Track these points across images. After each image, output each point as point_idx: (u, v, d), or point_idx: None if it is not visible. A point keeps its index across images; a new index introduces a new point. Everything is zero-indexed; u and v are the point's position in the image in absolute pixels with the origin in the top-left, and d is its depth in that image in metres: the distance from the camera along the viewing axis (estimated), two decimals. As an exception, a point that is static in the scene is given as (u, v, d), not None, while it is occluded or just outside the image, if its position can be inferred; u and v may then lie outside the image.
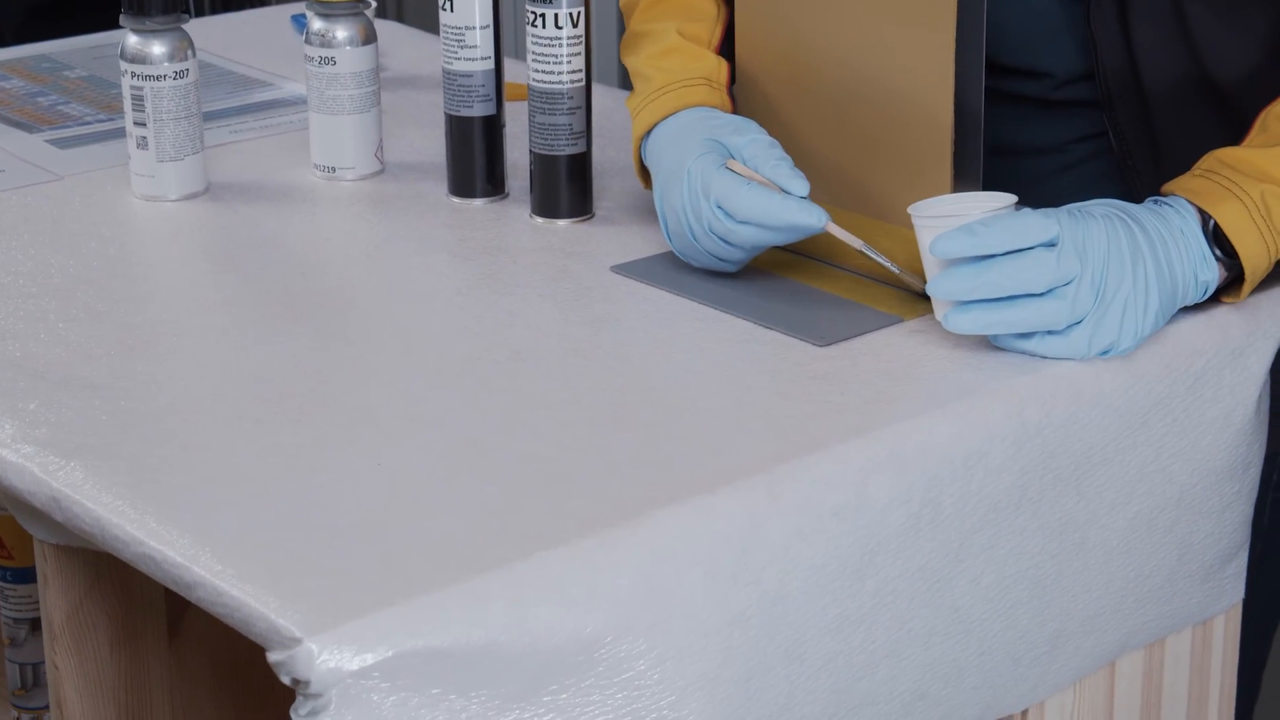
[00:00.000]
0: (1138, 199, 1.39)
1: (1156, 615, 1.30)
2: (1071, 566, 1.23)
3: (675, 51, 1.40)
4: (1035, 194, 1.44)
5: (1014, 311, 1.18)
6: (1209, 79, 1.36)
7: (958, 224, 1.19)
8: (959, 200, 1.23)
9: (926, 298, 1.26)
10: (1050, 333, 1.20)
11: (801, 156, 1.35)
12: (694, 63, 1.39)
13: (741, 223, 1.27)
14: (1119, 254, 1.19)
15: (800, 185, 1.26)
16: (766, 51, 1.37)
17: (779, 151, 1.28)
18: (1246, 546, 1.35)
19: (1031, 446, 1.18)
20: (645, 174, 1.42)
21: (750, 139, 1.30)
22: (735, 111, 1.38)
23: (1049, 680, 1.25)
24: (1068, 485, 1.20)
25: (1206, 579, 1.32)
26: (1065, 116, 1.43)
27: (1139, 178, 1.39)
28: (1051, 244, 1.18)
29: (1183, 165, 1.31)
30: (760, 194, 1.26)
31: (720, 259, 1.31)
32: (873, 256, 1.27)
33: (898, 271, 1.27)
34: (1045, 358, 1.20)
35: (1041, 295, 1.18)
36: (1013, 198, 1.22)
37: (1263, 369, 1.29)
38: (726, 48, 1.44)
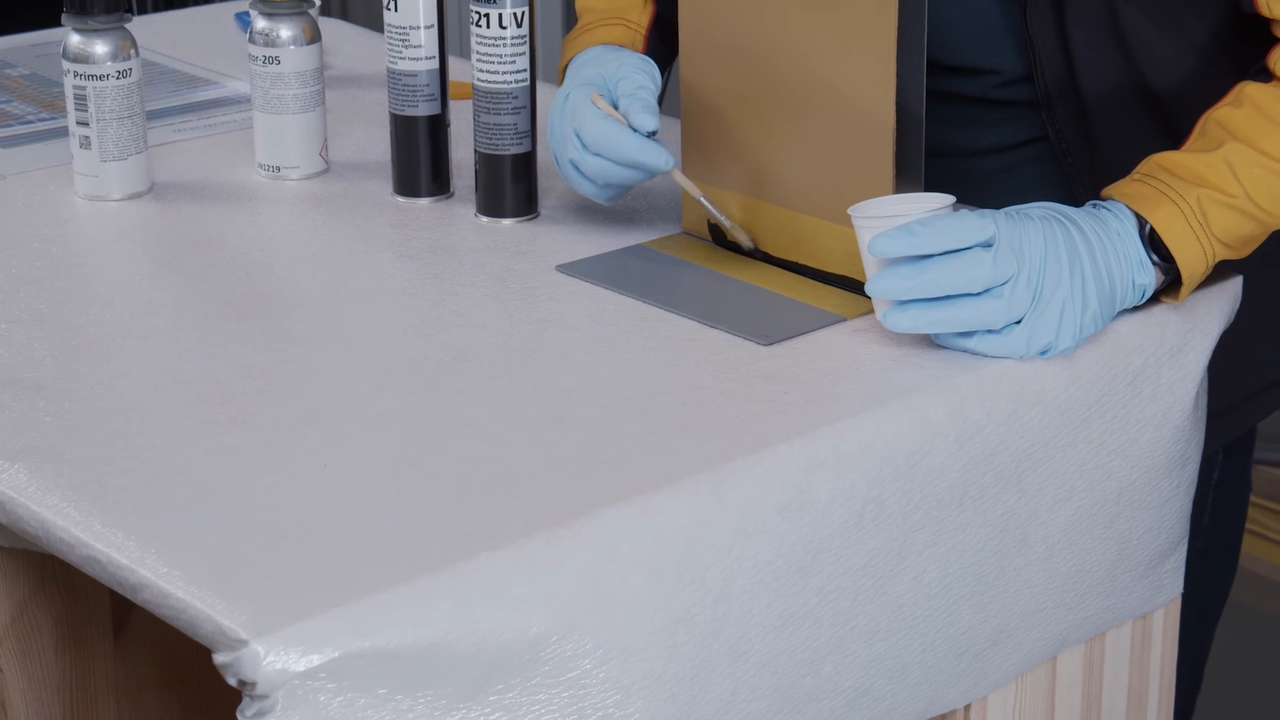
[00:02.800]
0: (1078, 201, 1.40)
1: (1097, 610, 1.32)
2: (1013, 563, 1.24)
3: None
4: (977, 195, 1.45)
5: (951, 311, 1.20)
6: (1145, 84, 1.37)
7: (897, 224, 1.20)
8: (899, 201, 1.24)
9: (761, 257, 1.33)
10: (989, 332, 1.21)
11: (745, 156, 1.36)
12: (619, 3, 1.46)
13: (593, 154, 1.32)
14: (1056, 255, 1.21)
15: (647, 121, 1.29)
16: (710, 52, 1.37)
17: (646, 92, 1.32)
18: (1185, 541, 1.36)
19: (973, 444, 1.19)
20: None
21: (626, 76, 1.34)
22: (679, 99, 1.40)
23: (991, 675, 1.26)
24: (1009, 482, 1.22)
25: (1146, 574, 1.34)
26: (1006, 118, 1.44)
27: (1078, 178, 1.41)
28: (988, 244, 1.19)
29: (1121, 167, 1.33)
30: (611, 127, 1.30)
31: (584, 191, 1.36)
32: (709, 209, 1.32)
33: (730, 226, 1.33)
34: (985, 356, 1.21)
35: (979, 295, 1.19)
36: (951, 198, 1.23)
37: (1200, 366, 1.31)
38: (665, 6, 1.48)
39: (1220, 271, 1.33)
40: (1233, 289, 1.34)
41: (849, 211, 1.23)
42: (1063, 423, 1.23)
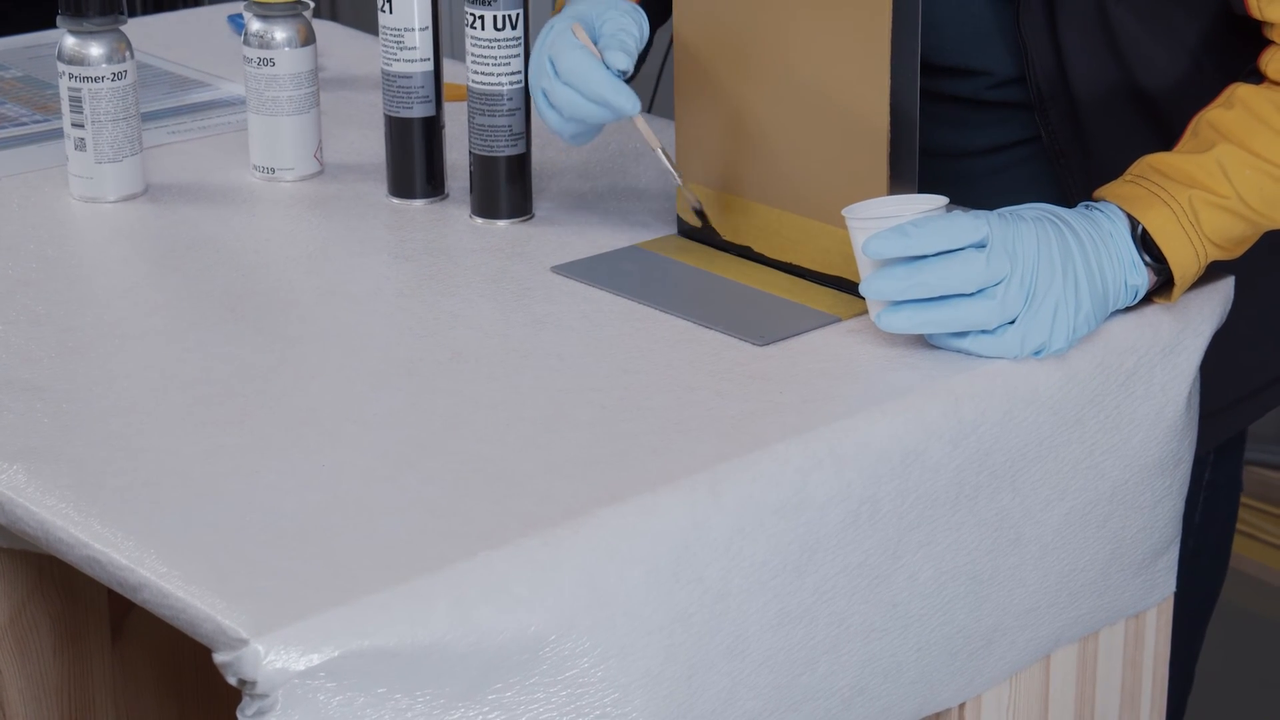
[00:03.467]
0: (1070, 201, 1.41)
1: (1090, 609, 1.32)
2: (1007, 562, 1.25)
3: None
4: (969, 195, 1.45)
5: (945, 311, 1.20)
6: (1137, 86, 1.38)
7: (891, 225, 1.20)
8: (892, 202, 1.25)
9: (701, 213, 1.34)
10: (983, 332, 1.21)
11: (740, 157, 1.36)
12: None
13: (564, 84, 1.31)
14: (1049, 256, 1.21)
15: (620, 59, 1.29)
16: (705, 53, 1.38)
17: (626, 34, 1.31)
18: (1178, 541, 1.37)
19: (968, 444, 1.19)
20: None
21: (612, 17, 1.33)
22: (673, 100, 1.40)
23: (986, 674, 1.27)
24: (1003, 482, 1.22)
25: (1139, 573, 1.35)
26: (999, 119, 1.45)
27: (1071, 179, 1.41)
28: (981, 245, 1.19)
29: (1114, 168, 1.33)
30: (585, 59, 1.30)
31: (549, 122, 1.35)
32: (664, 161, 1.34)
33: (680, 185, 1.35)
34: (979, 356, 1.22)
35: (972, 295, 1.20)
36: (944, 200, 1.24)
37: (1193, 366, 1.31)
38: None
39: (1212, 272, 1.34)
40: (1225, 290, 1.34)
41: (843, 213, 1.24)
42: (1056, 422, 1.24)
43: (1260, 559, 2.71)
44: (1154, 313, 1.29)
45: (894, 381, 1.20)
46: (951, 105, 1.46)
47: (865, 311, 1.28)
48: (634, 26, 1.33)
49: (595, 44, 1.33)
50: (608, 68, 1.30)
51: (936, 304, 1.20)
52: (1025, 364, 1.22)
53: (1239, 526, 2.69)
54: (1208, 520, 1.54)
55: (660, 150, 1.34)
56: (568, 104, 1.32)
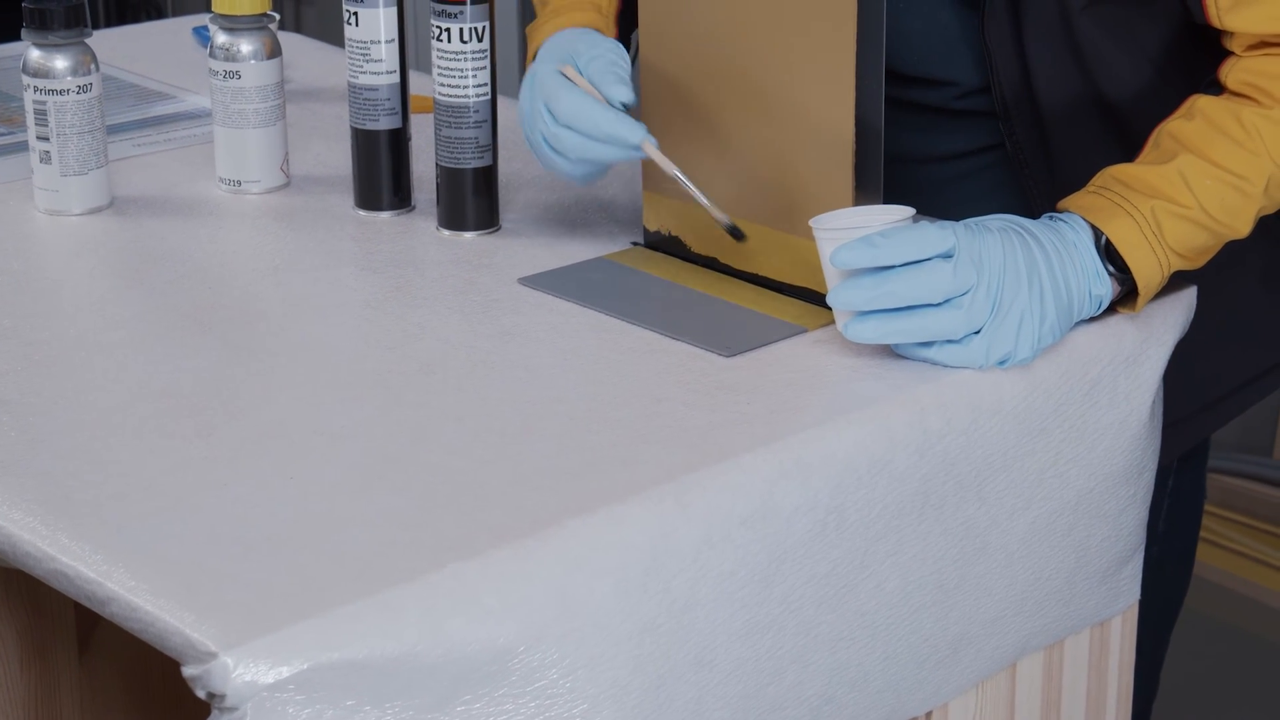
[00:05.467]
0: (1034, 208, 1.42)
1: (1056, 617, 1.33)
2: (973, 571, 1.25)
3: None
4: (935, 200, 1.46)
5: (912, 321, 1.21)
6: (1101, 95, 1.39)
7: (858, 236, 1.21)
8: (859, 213, 1.25)
9: (734, 232, 1.32)
10: (949, 342, 1.22)
11: (706, 169, 1.37)
12: None
13: (564, 127, 1.29)
14: (1015, 266, 1.22)
15: (621, 91, 1.27)
16: (669, 65, 1.38)
17: (618, 66, 1.30)
18: (1142, 549, 1.38)
19: (933, 454, 1.20)
20: None
21: (599, 53, 1.31)
22: (638, 94, 1.39)
23: (952, 682, 1.28)
24: (969, 491, 1.23)
25: (1104, 581, 1.35)
26: (965, 126, 1.46)
27: (1035, 187, 1.42)
28: (948, 255, 1.20)
29: (1078, 176, 1.34)
30: (583, 99, 1.28)
31: (558, 169, 1.33)
32: (684, 183, 1.30)
33: (707, 204, 1.31)
34: (945, 366, 1.23)
35: (939, 305, 1.21)
36: (911, 210, 1.24)
37: (1156, 375, 1.32)
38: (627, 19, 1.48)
39: (1175, 282, 1.35)
40: (1187, 299, 1.35)
41: (810, 224, 1.24)
42: (1021, 432, 1.25)
43: (1224, 566, 2.73)
44: (1118, 323, 1.30)
45: (860, 391, 1.21)
46: (919, 113, 1.47)
47: (832, 322, 1.29)
48: (620, 59, 1.32)
49: (587, 81, 1.32)
50: (609, 103, 1.29)
51: (903, 314, 1.21)
52: (990, 374, 1.23)
53: (1203, 534, 2.71)
54: (1171, 528, 1.55)
55: (680, 174, 1.30)
56: (574, 147, 1.30)
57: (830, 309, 1.25)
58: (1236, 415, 1.53)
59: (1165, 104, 1.33)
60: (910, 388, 1.21)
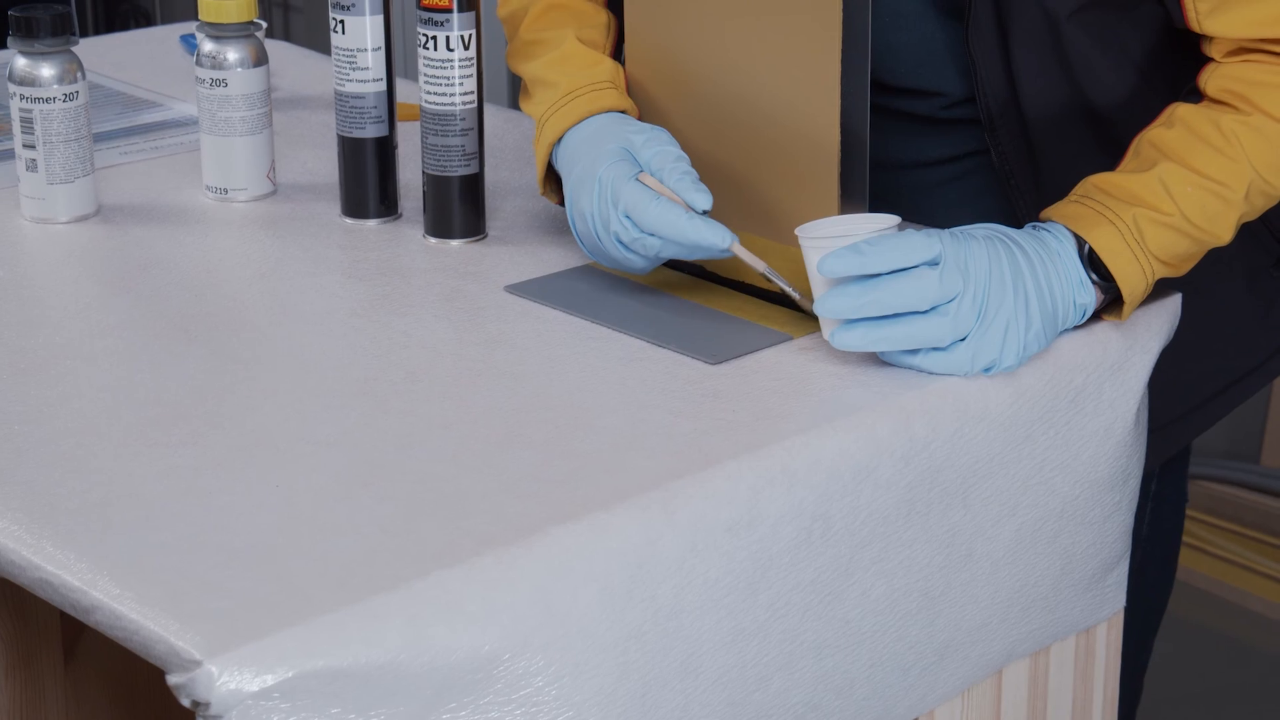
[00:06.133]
0: (1019, 214, 1.42)
1: (1041, 624, 1.33)
2: (959, 578, 1.25)
3: (575, 57, 1.41)
4: (920, 206, 1.47)
5: (898, 328, 1.21)
6: (1087, 103, 1.39)
7: (844, 244, 1.21)
8: (845, 221, 1.26)
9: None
10: (935, 349, 1.22)
11: (696, 169, 1.37)
12: (597, 67, 1.40)
13: (648, 234, 1.29)
14: (1000, 274, 1.22)
15: (703, 200, 1.27)
16: (656, 76, 1.38)
17: (685, 165, 1.30)
18: (1127, 556, 1.38)
19: (919, 461, 1.20)
20: (548, 179, 1.43)
21: (659, 150, 1.31)
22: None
23: (938, 690, 1.28)
24: (954, 499, 1.23)
25: (1089, 588, 1.36)
26: (951, 133, 1.46)
27: (1020, 195, 1.43)
28: (934, 263, 1.20)
29: (1062, 184, 1.35)
30: (667, 208, 1.28)
31: (627, 264, 1.33)
32: (776, 281, 1.28)
33: (798, 298, 1.29)
34: (930, 373, 1.23)
35: (925, 313, 1.21)
36: (896, 218, 1.25)
37: (1141, 383, 1.33)
38: (618, 56, 1.46)
39: (1159, 290, 1.35)
40: (1172, 307, 1.36)
41: (796, 232, 1.24)
42: (1006, 439, 1.25)
43: (1211, 572, 2.73)
44: (1103, 330, 1.31)
45: (846, 399, 1.21)
46: (905, 121, 1.47)
47: (817, 330, 1.29)
48: (677, 148, 1.31)
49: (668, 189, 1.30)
50: (692, 208, 1.28)
51: (890, 321, 1.21)
52: (976, 381, 1.23)
53: (1190, 540, 2.71)
54: (1154, 532, 1.55)
55: (768, 270, 1.28)
56: (658, 252, 1.30)
57: (816, 316, 1.26)
58: (1221, 418, 1.53)
59: (1149, 111, 1.33)
60: (896, 395, 1.21)
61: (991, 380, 1.24)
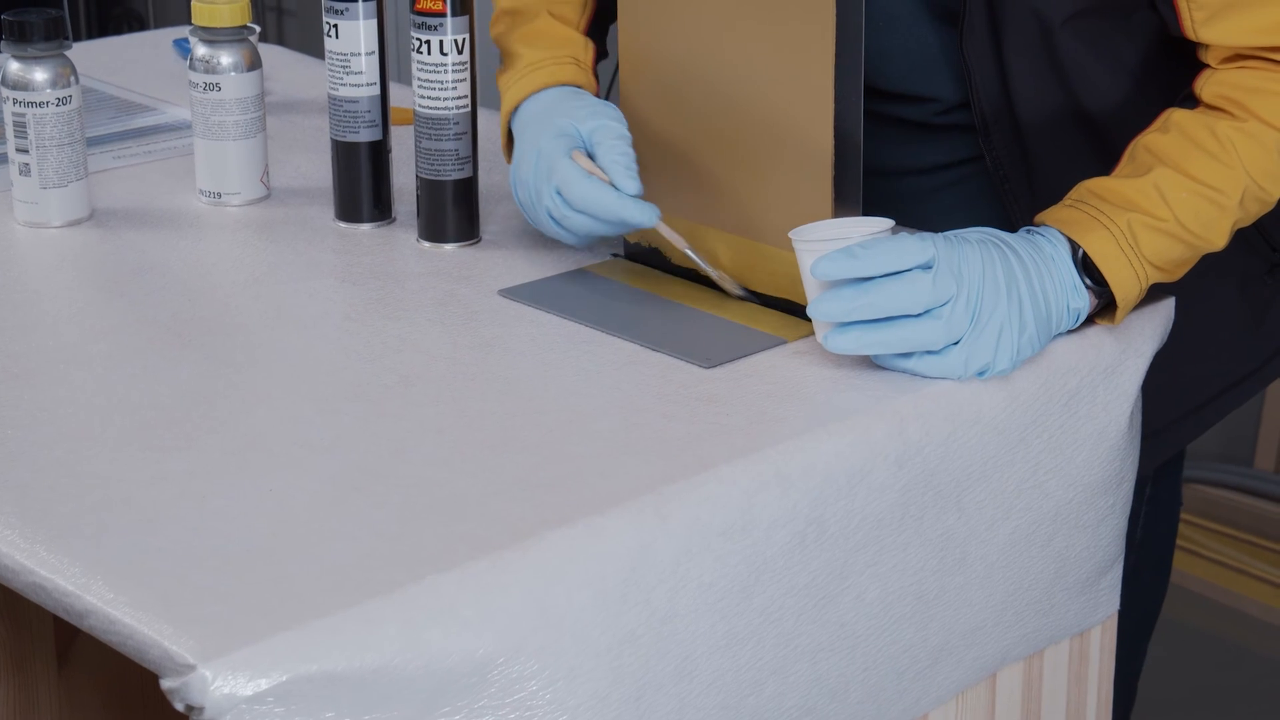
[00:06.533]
0: (1014, 220, 1.42)
1: (1036, 627, 1.33)
2: (953, 581, 1.26)
3: (545, 33, 1.46)
4: (915, 213, 1.47)
5: (892, 332, 1.21)
6: (1081, 109, 1.39)
7: (837, 247, 1.21)
8: (839, 225, 1.26)
9: (748, 299, 1.33)
10: (928, 353, 1.22)
11: (686, 182, 1.37)
12: (563, 42, 1.45)
13: (577, 211, 1.33)
14: (994, 278, 1.22)
15: (631, 185, 1.32)
16: (650, 80, 1.39)
17: (624, 145, 1.34)
18: (1121, 559, 1.38)
19: (913, 465, 1.20)
20: (510, 145, 1.46)
21: (600, 125, 1.35)
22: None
23: (932, 693, 1.28)
24: (949, 502, 1.23)
25: (1083, 591, 1.36)
26: (945, 139, 1.46)
27: (1015, 201, 1.43)
28: (928, 266, 1.20)
29: (1057, 189, 1.35)
30: (595, 187, 1.32)
31: (560, 239, 1.38)
32: (695, 260, 1.33)
33: (716, 276, 1.34)
34: (924, 377, 1.23)
35: (918, 316, 1.21)
36: (890, 222, 1.25)
37: (1134, 386, 1.33)
38: (593, 30, 1.50)
39: (1153, 294, 1.35)
40: (1165, 310, 1.36)
41: (790, 235, 1.24)
42: (1000, 443, 1.25)
43: (1205, 576, 2.74)
44: (1096, 334, 1.31)
45: (840, 403, 1.21)
46: (899, 127, 1.47)
47: (811, 333, 1.29)
48: (625, 132, 1.35)
49: (592, 158, 1.34)
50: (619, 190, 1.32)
51: (883, 325, 1.21)
52: (969, 385, 1.23)
53: (1184, 544, 2.71)
54: (1149, 536, 1.55)
55: (690, 251, 1.34)
56: (586, 229, 1.34)
57: (810, 320, 1.26)
58: (1215, 423, 1.54)
59: (1144, 117, 1.33)
60: (889, 399, 1.21)
61: (985, 384, 1.24)
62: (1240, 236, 1.36)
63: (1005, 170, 1.42)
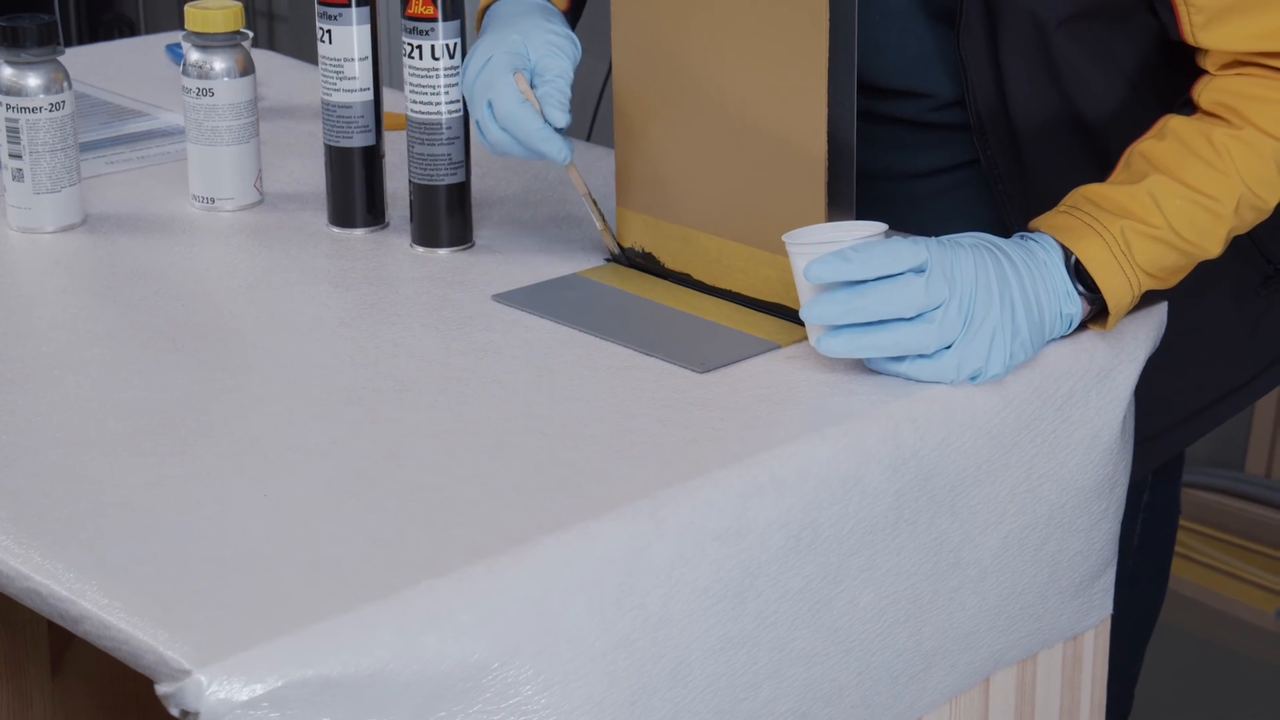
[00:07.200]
0: (1008, 223, 1.43)
1: (1029, 632, 1.33)
2: (947, 585, 1.26)
3: None
4: (911, 218, 1.47)
5: (885, 335, 1.21)
6: (1076, 112, 1.40)
7: (831, 250, 1.21)
8: (833, 228, 1.26)
9: (619, 260, 1.40)
10: (921, 356, 1.23)
11: (679, 186, 1.37)
12: None
13: (501, 128, 1.36)
14: (986, 282, 1.23)
15: (559, 118, 1.35)
16: (643, 83, 1.39)
17: (563, 83, 1.37)
18: (1114, 563, 1.38)
19: (907, 469, 1.20)
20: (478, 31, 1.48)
21: (550, 61, 1.37)
22: (613, 128, 1.41)
23: (926, 697, 1.28)
24: (942, 506, 1.23)
25: (1076, 595, 1.36)
26: (941, 141, 1.47)
27: (1009, 204, 1.43)
28: (921, 270, 1.21)
29: (1052, 191, 1.35)
30: (523, 111, 1.35)
31: (483, 143, 1.40)
32: (589, 207, 1.39)
33: (601, 228, 1.40)
34: (916, 381, 1.23)
35: (911, 320, 1.21)
36: (883, 226, 1.25)
37: (1127, 390, 1.33)
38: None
39: (1146, 299, 1.35)
40: (1158, 315, 1.36)
41: (783, 239, 1.25)
42: (994, 447, 1.25)
43: (1198, 580, 2.74)
44: (1089, 338, 1.31)
45: (833, 407, 1.21)
46: (894, 127, 1.47)
47: (805, 338, 1.29)
48: (569, 66, 1.38)
49: (531, 85, 1.36)
50: (545, 119, 1.35)
51: (876, 328, 1.21)
52: (963, 389, 1.24)
53: (1176, 549, 2.71)
54: (1146, 543, 1.55)
55: (588, 198, 1.39)
56: (502, 145, 1.37)
57: (803, 324, 1.26)
58: (1210, 430, 1.54)
59: (1140, 122, 1.34)
60: (883, 403, 1.21)
61: (979, 388, 1.24)
62: (1235, 248, 1.37)
63: (999, 170, 1.42)
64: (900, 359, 1.23)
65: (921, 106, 1.45)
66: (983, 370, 1.23)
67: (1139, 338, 1.34)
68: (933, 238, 1.24)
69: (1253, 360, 1.52)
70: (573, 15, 1.53)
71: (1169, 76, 1.37)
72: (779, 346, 1.29)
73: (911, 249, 1.20)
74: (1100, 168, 1.36)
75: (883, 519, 1.20)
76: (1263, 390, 1.54)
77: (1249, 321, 1.49)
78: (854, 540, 1.18)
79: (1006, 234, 1.30)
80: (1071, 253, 1.26)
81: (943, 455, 1.22)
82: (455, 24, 1.41)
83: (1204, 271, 1.36)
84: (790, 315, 1.32)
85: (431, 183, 1.45)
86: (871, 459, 1.18)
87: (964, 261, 1.22)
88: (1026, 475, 1.28)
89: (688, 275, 1.39)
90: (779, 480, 1.14)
